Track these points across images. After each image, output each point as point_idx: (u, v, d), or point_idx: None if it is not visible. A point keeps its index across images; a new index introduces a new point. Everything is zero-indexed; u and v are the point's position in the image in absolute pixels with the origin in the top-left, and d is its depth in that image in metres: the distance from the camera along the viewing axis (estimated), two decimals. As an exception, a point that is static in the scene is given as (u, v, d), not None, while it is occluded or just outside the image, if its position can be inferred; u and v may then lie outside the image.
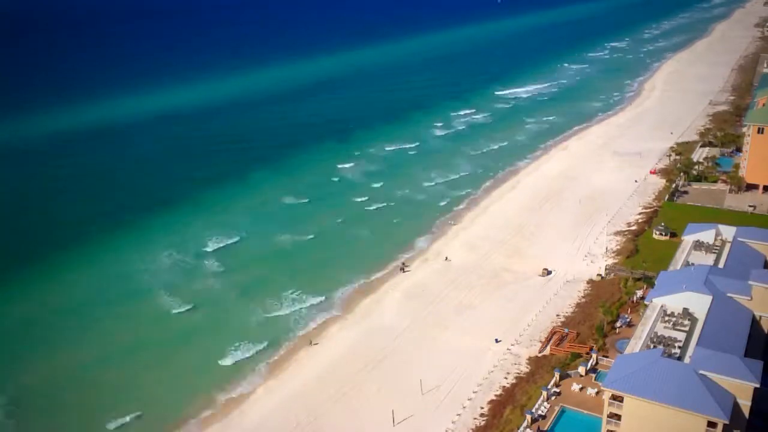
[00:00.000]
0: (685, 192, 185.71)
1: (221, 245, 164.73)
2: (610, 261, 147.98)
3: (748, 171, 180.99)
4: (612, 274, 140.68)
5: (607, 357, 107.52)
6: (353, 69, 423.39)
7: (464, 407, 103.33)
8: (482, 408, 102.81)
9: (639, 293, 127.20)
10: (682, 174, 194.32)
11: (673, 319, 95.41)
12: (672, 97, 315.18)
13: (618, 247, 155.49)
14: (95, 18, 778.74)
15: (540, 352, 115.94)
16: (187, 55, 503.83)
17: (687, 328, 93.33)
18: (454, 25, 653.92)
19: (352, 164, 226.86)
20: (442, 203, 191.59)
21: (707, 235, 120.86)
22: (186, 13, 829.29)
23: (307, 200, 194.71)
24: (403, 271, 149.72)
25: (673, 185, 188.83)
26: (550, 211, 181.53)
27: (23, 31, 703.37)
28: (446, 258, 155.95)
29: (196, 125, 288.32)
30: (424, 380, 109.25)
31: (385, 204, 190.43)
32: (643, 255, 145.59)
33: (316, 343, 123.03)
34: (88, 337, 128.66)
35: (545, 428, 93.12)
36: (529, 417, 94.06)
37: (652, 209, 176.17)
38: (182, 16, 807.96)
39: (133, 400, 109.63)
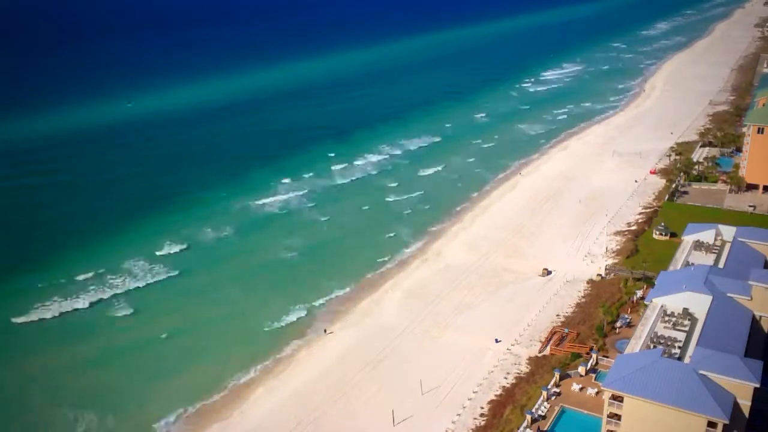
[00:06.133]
0: (685, 192, 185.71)
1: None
2: (610, 261, 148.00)
3: (748, 171, 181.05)
4: (612, 274, 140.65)
5: (607, 357, 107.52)
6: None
7: (464, 407, 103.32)
8: (482, 408, 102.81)
9: (639, 293, 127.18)
10: (682, 174, 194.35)
11: (673, 319, 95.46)
12: (672, 97, 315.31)
13: (618, 247, 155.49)
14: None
15: (540, 352, 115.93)
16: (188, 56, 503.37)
17: (687, 328, 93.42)
18: (445, 27, 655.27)
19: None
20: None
21: (707, 235, 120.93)
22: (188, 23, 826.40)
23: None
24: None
25: (673, 185, 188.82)
26: (550, 211, 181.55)
27: (21, 31, 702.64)
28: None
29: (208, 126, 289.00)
30: (424, 380, 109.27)
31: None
32: (643, 255, 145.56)
33: (331, 332, 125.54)
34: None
35: (545, 428, 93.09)
36: (529, 417, 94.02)
37: (652, 209, 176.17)
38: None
39: (133, 397, 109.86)
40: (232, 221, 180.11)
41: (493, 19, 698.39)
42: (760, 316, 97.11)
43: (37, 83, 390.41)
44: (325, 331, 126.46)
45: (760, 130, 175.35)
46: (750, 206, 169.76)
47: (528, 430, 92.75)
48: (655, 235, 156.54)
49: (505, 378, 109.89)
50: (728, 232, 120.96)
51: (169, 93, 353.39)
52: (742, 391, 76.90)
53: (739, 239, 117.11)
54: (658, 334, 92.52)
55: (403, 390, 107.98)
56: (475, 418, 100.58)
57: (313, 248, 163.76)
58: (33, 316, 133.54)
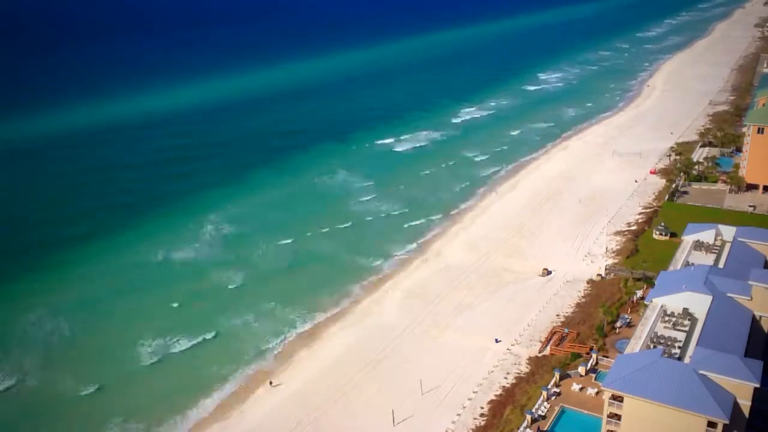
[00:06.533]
0: (685, 192, 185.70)
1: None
2: (610, 261, 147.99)
3: (748, 171, 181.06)
4: (612, 274, 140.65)
5: (607, 357, 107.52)
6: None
7: (464, 407, 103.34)
8: (482, 408, 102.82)
9: (639, 293, 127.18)
10: (682, 174, 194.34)
11: (673, 319, 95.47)
12: (672, 97, 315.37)
13: (618, 247, 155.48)
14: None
15: (540, 352, 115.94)
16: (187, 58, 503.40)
17: (687, 328, 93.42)
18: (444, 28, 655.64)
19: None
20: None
21: (707, 235, 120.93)
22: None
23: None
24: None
25: (673, 185, 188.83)
26: (550, 211, 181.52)
27: (22, 31, 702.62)
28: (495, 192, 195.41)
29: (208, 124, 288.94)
30: (424, 380, 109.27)
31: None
32: (643, 255, 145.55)
33: (279, 384, 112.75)
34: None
35: (545, 428, 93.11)
36: (529, 417, 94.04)
37: (652, 209, 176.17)
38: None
39: (135, 396, 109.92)
40: (232, 219, 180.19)
41: (492, 19, 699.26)
42: (760, 316, 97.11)
43: (37, 83, 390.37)
44: (270, 383, 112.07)
45: (760, 130, 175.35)
46: (750, 206, 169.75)
47: (528, 430, 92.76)
48: (655, 235, 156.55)
49: (505, 378, 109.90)
50: (728, 232, 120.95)
51: (169, 93, 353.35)
52: (742, 391, 76.91)
53: (739, 239, 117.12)
54: (658, 334, 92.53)
55: (403, 390, 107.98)
56: (475, 418, 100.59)
57: (307, 252, 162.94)
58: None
